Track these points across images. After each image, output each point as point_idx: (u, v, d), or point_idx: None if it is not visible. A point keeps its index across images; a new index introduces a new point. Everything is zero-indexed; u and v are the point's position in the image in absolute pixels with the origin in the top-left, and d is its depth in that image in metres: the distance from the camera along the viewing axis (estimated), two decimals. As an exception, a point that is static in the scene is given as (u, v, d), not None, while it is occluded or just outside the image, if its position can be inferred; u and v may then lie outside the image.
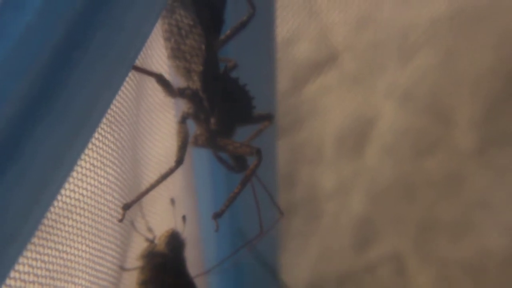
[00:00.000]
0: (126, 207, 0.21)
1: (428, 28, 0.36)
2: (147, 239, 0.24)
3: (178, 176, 0.28)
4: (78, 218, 0.19)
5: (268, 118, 0.24)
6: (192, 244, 0.27)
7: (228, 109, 0.22)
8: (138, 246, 0.24)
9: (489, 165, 0.41)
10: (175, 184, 0.27)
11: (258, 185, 0.23)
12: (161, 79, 0.20)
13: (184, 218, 0.24)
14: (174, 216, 0.25)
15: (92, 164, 0.19)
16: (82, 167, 0.18)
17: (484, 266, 0.40)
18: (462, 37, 0.38)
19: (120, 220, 0.21)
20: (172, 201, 0.25)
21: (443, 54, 0.39)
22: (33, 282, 0.16)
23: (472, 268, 0.41)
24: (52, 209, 0.17)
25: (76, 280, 0.19)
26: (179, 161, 0.21)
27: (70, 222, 0.18)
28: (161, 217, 0.26)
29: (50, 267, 0.17)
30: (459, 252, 0.41)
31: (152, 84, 0.23)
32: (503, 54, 0.39)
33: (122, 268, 0.23)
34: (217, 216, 0.21)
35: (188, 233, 0.25)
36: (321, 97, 0.38)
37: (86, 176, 0.19)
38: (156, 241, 0.24)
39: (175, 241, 0.24)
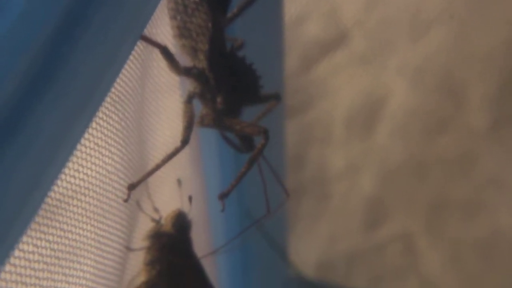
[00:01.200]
0: (132, 187, 0.21)
1: (441, 3, 0.35)
2: (153, 220, 0.24)
3: (185, 156, 0.28)
4: (83, 198, 0.19)
5: (275, 97, 0.24)
6: (199, 225, 0.27)
7: (234, 88, 0.22)
8: (144, 227, 0.24)
9: (502, 143, 0.40)
10: (182, 164, 0.27)
11: (265, 166, 0.23)
12: (165, 51, 0.20)
13: (190, 198, 0.24)
14: (180, 196, 0.25)
15: (97, 144, 0.19)
16: (86, 147, 0.18)
17: (496, 245, 0.40)
18: (476, 12, 0.37)
19: (126, 200, 0.21)
20: (179, 182, 0.25)
21: (456, 30, 0.38)
22: (38, 262, 0.16)
23: (484, 248, 0.40)
24: (56, 188, 0.17)
25: (82, 260, 0.19)
26: (185, 141, 0.21)
27: (75, 202, 0.18)
28: (168, 197, 0.26)
29: (55, 246, 0.17)
30: (470, 231, 0.40)
31: (157, 64, 0.23)
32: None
33: (128, 249, 0.23)
34: (223, 196, 0.21)
35: (195, 214, 0.25)
36: (331, 76, 0.37)
37: (91, 156, 0.19)
38: (162, 221, 0.24)
39: (181, 221, 0.24)
